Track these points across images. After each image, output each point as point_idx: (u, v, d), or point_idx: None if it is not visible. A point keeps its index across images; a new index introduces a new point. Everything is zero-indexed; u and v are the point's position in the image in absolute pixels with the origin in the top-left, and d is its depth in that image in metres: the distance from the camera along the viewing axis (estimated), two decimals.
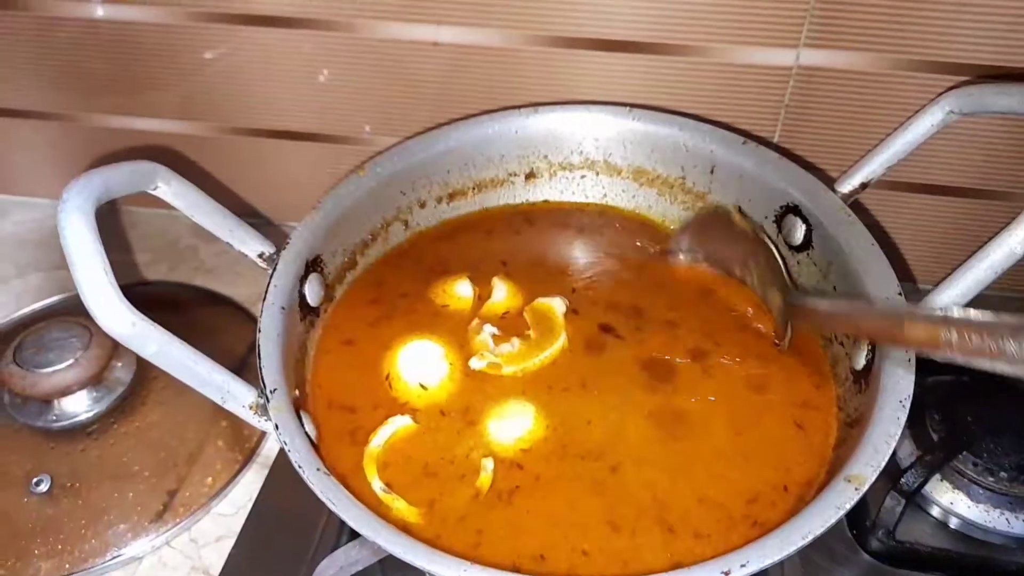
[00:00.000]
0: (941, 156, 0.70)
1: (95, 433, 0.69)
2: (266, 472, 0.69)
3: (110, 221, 0.93)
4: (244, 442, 0.71)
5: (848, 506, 0.39)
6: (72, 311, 0.79)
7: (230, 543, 0.64)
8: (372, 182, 0.60)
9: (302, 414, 0.47)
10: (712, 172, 0.62)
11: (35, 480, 0.65)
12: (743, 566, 0.37)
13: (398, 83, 0.74)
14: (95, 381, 0.69)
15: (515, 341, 0.56)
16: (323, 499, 0.41)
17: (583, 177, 0.67)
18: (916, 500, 0.62)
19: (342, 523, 0.63)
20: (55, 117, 0.87)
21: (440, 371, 0.55)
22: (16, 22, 0.79)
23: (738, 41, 0.66)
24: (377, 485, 0.49)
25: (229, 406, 0.44)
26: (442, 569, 0.38)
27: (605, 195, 0.67)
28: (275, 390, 0.45)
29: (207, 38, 0.76)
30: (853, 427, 0.46)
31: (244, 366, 0.74)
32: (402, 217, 0.63)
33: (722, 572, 0.37)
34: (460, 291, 0.60)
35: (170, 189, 0.47)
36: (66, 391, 0.68)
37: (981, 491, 0.63)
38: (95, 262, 0.39)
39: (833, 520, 0.38)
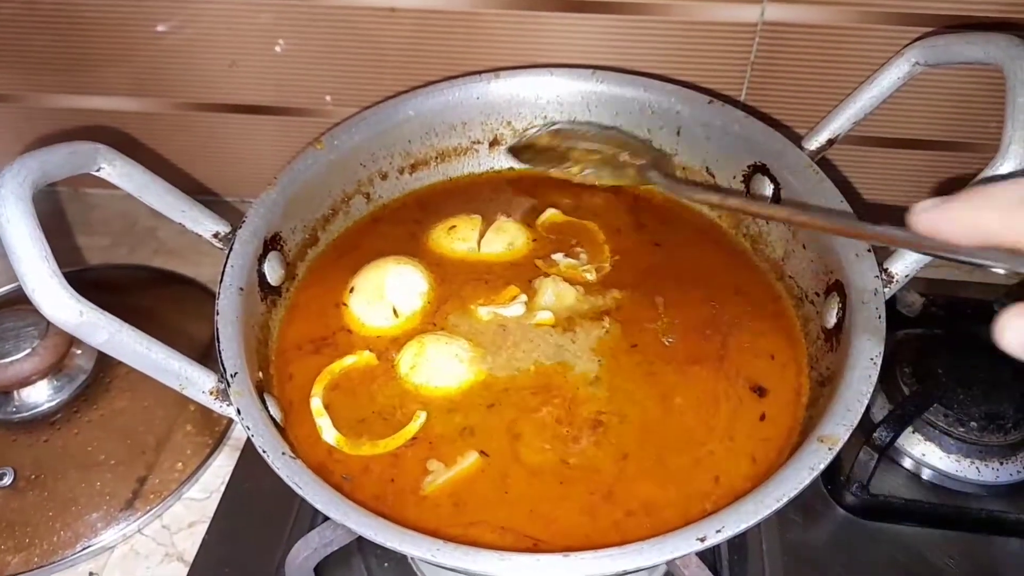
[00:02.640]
0: (908, 109, 0.69)
1: (58, 423, 0.67)
2: (237, 455, 0.68)
3: (67, 205, 0.91)
4: (214, 425, 0.69)
5: (822, 467, 0.39)
6: (26, 299, 0.77)
7: (202, 528, 0.63)
8: (330, 155, 0.58)
9: (266, 396, 0.46)
10: (679, 133, 0.61)
11: None
12: (719, 531, 0.37)
13: (358, 51, 0.72)
14: (55, 370, 0.67)
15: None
16: (289, 484, 0.40)
17: None
18: (888, 453, 0.63)
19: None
20: (3, 99, 0.84)
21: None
22: None
23: None
24: (315, 402, 0.50)
25: (189, 393, 0.43)
26: (412, 549, 0.37)
27: None
28: (235, 374, 0.44)
29: (156, 11, 0.73)
30: (825, 386, 0.46)
31: (211, 349, 0.72)
32: (363, 190, 0.61)
33: (697, 538, 0.36)
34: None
35: (115, 170, 0.45)
36: (25, 381, 0.66)
37: (952, 442, 0.63)
38: (35, 250, 0.37)
39: (807, 482, 0.38)
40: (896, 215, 0.77)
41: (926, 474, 0.63)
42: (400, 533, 0.37)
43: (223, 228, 0.51)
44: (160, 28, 0.75)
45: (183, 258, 0.84)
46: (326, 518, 0.61)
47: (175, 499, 0.65)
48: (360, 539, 0.56)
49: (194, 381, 0.43)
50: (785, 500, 0.37)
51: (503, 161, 0.66)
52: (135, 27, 0.74)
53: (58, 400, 0.68)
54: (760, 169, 0.56)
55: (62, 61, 0.79)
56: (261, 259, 0.52)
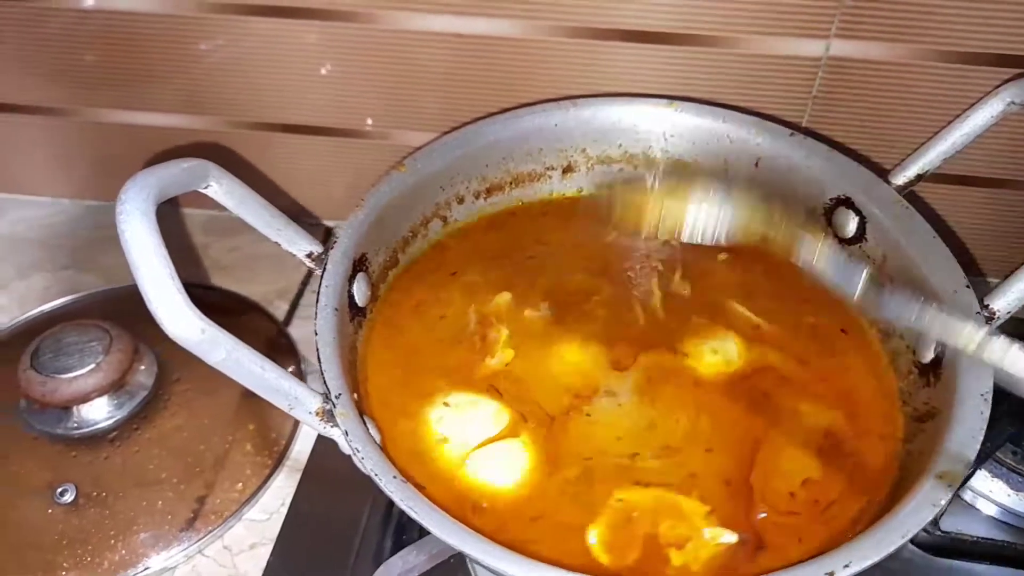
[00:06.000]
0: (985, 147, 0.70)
1: (117, 440, 0.66)
2: (296, 475, 0.67)
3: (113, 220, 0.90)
4: (272, 445, 0.69)
5: (943, 503, 0.39)
6: (84, 313, 0.76)
7: (264, 550, 0.62)
8: (412, 178, 0.58)
9: (364, 418, 0.46)
10: (757, 165, 0.61)
11: (59, 490, 0.62)
12: (846, 567, 0.36)
13: (416, 77, 0.73)
14: (117, 386, 0.66)
15: None
16: (403, 507, 0.39)
17: (620, 171, 0.65)
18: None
19: (384, 526, 0.62)
20: (51, 112, 0.84)
21: None
22: (5, 12, 0.75)
23: (766, 32, 0.65)
24: None
25: (295, 413, 0.42)
26: None
27: None
28: (340, 395, 0.43)
29: (207, 28, 0.73)
30: (925, 421, 0.46)
31: None
32: (441, 213, 0.61)
33: (826, 573, 0.36)
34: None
35: (221, 188, 0.45)
36: (87, 397, 0.65)
37: (1020, 479, 0.63)
38: (160, 266, 0.37)
39: (930, 518, 0.38)
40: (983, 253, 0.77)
41: (994, 511, 0.63)
42: (524, 562, 0.37)
43: (316, 248, 0.51)
44: (205, 46, 0.75)
45: (234, 276, 0.84)
46: (395, 541, 0.61)
47: (236, 520, 0.64)
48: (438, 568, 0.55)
49: (303, 401, 0.42)
50: (910, 535, 0.37)
51: (574, 186, 0.66)
52: (186, 44, 0.75)
53: (117, 417, 0.67)
54: (844, 202, 0.57)
55: (116, 77, 0.79)
56: (351, 280, 0.52)
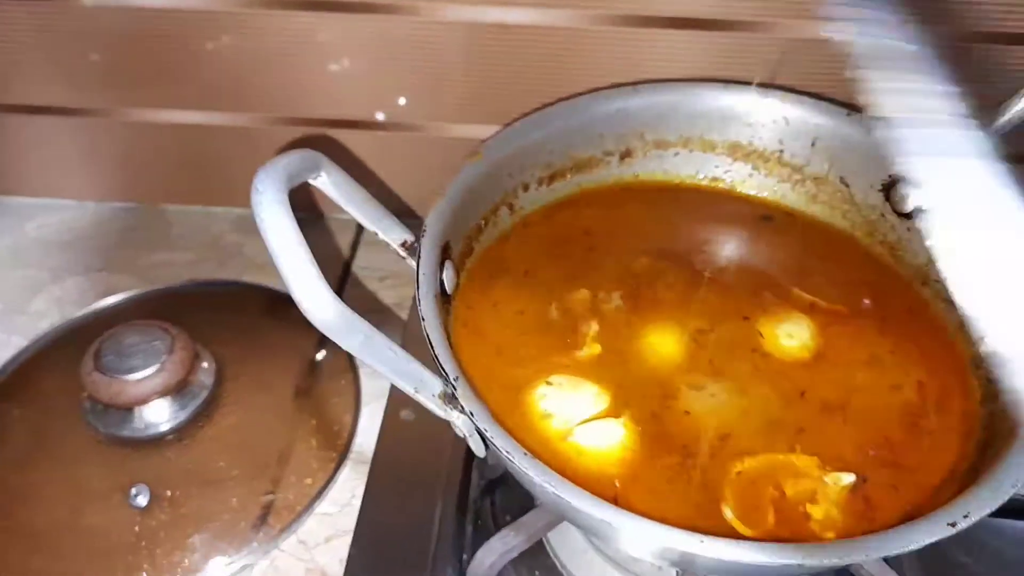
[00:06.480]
0: None
1: (184, 439, 0.66)
2: (361, 468, 0.67)
3: (143, 221, 0.90)
4: (335, 439, 0.69)
5: None
6: (129, 315, 0.75)
7: (339, 542, 0.63)
8: (484, 167, 0.59)
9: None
10: (813, 145, 0.63)
11: (133, 492, 0.62)
12: (966, 516, 0.39)
13: (459, 68, 0.73)
14: (181, 386, 0.66)
15: None
16: (540, 481, 0.40)
17: (676, 155, 0.67)
18: None
19: (460, 514, 0.63)
20: (73, 112, 0.83)
21: None
22: (28, 10, 0.74)
23: (808, 16, 0.67)
24: None
25: (419, 396, 0.43)
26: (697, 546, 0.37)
27: (697, 171, 0.68)
28: (457, 378, 0.44)
29: (235, 24, 0.73)
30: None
31: (313, 364, 0.72)
32: (508, 201, 0.62)
33: (948, 524, 0.38)
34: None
35: (330, 179, 0.46)
36: (151, 397, 0.65)
37: None
38: (299, 251, 0.38)
39: None
40: None
41: None
42: (678, 533, 0.38)
43: (409, 237, 0.51)
44: (226, 41, 0.75)
45: (270, 274, 0.84)
46: (476, 529, 0.62)
47: (308, 514, 0.64)
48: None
49: (427, 385, 0.43)
50: (1020, 485, 0.40)
51: (631, 172, 0.67)
52: (211, 41, 0.75)
53: (180, 417, 0.67)
54: (903, 178, 0.59)
55: (133, 75, 0.78)
56: (440, 267, 0.52)
